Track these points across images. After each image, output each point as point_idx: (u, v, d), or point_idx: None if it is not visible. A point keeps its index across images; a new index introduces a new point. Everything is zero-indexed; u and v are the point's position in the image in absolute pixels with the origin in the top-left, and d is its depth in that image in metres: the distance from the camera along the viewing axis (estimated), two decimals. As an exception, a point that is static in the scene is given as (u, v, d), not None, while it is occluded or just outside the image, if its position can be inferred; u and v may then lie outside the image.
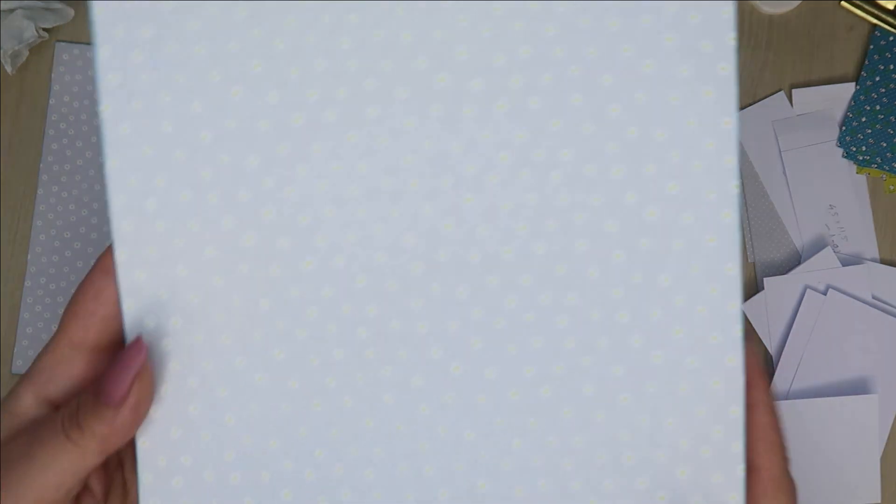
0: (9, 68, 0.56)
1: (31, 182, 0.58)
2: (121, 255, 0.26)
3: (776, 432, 0.26)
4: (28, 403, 0.26)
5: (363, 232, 0.26)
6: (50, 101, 0.57)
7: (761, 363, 0.26)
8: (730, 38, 0.26)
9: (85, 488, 0.26)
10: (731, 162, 0.26)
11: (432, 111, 0.26)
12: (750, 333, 0.26)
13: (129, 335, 0.26)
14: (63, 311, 0.26)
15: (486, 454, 0.27)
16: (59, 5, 0.56)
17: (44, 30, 0.57)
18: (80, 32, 0.58)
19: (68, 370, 0.26)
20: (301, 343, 0.27)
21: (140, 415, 0.25)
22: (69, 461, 0.24)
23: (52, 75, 0.57)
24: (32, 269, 0.57)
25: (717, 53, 0.26)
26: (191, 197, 0.26)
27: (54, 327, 0.57)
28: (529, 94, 0.26)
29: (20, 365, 0.57)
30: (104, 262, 0.26)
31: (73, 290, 0.57)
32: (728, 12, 0.26)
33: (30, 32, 0.55)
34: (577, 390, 0.27)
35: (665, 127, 0.26)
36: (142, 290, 0.26)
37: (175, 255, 0.26)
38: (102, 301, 0.26)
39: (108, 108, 0.26)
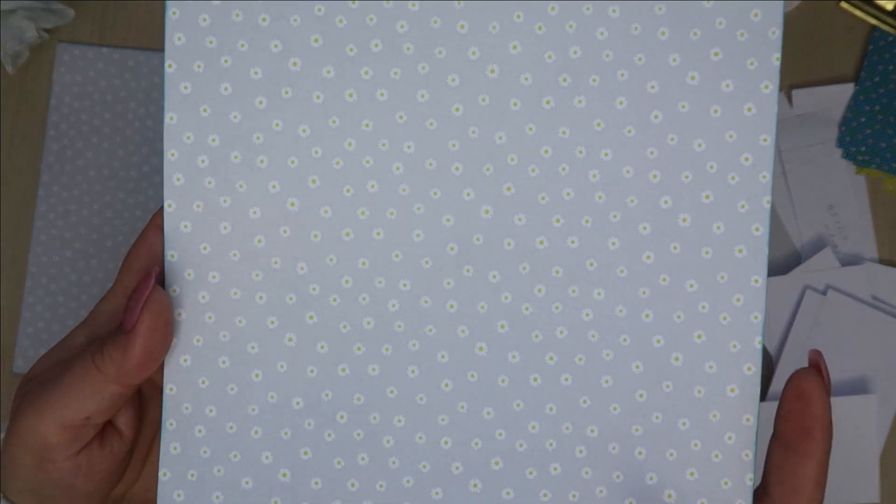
0: (9, 68, 0.56)
1: (31, 182, 0.58)
2: (169, 207, 0.27)
3: (819, 491, 0.26)
4: (80, 341, 0.28)
5: (404, 209, 0.27)
6: (50, 102, 0.57)
7: (830, 418, 0.26)
8: (775, 59, 0.27)
9: (114, 429, 0.27)
10: (766, 178, 0.27)
11: (480, 100, 0.27)
12: (826, 384, 0.26)
13: (168, 283, 0.27)
14: (121, 263, 0.28)
15: (504, 433, 0.27)
16: (59, 6, 0.56)
17: (44, 30, 0.57)
18: (80, 33, 0.58)
19: (119, 317, 0.28)
20: (333, 309, 0.28)
21: (152, 345, 0.26)
22: (90, 384, 0.26)
23: (53, 75, 0.58)
24: (33, 269, 0.57)
25: (761, 71, 0.27)
26: (242, 158, 0.27)
27: (55, 327, 0.57)
28: (576, 94, 0.27)
29: (20, 365, 0.57)
30: (158, 218, 0.28)
31: (73, 290, 0.58)
32: (776, 34, 0.27)
33: (30, 33, 0.55)
34: (595, 382, 0.27)
35: (704, 137, 0.27)
36: (185, 242, 0.28)
37: (221, 211, 0.27)
38: (155, 258, 0.28)
39: (172, 67, 0.27)
